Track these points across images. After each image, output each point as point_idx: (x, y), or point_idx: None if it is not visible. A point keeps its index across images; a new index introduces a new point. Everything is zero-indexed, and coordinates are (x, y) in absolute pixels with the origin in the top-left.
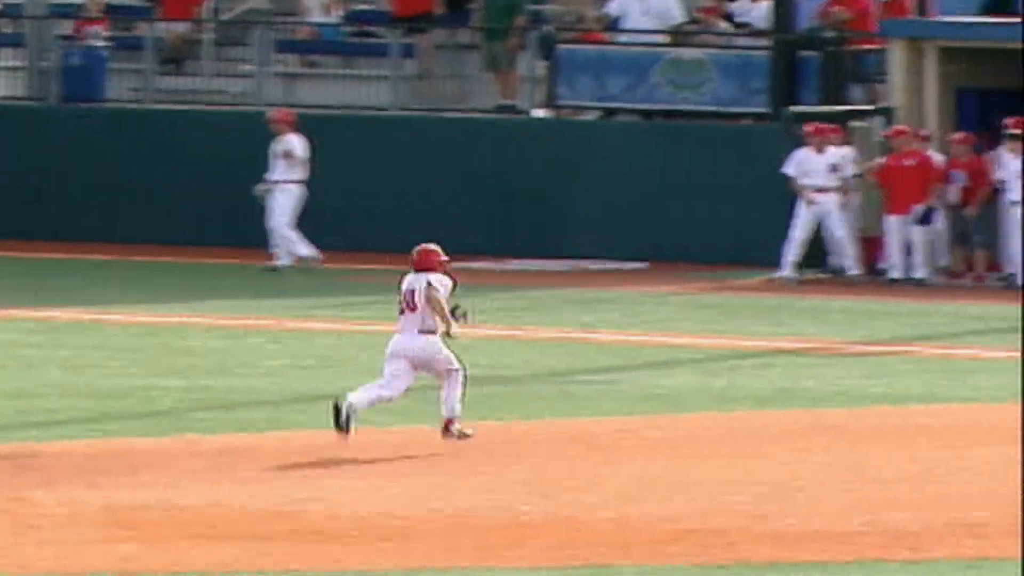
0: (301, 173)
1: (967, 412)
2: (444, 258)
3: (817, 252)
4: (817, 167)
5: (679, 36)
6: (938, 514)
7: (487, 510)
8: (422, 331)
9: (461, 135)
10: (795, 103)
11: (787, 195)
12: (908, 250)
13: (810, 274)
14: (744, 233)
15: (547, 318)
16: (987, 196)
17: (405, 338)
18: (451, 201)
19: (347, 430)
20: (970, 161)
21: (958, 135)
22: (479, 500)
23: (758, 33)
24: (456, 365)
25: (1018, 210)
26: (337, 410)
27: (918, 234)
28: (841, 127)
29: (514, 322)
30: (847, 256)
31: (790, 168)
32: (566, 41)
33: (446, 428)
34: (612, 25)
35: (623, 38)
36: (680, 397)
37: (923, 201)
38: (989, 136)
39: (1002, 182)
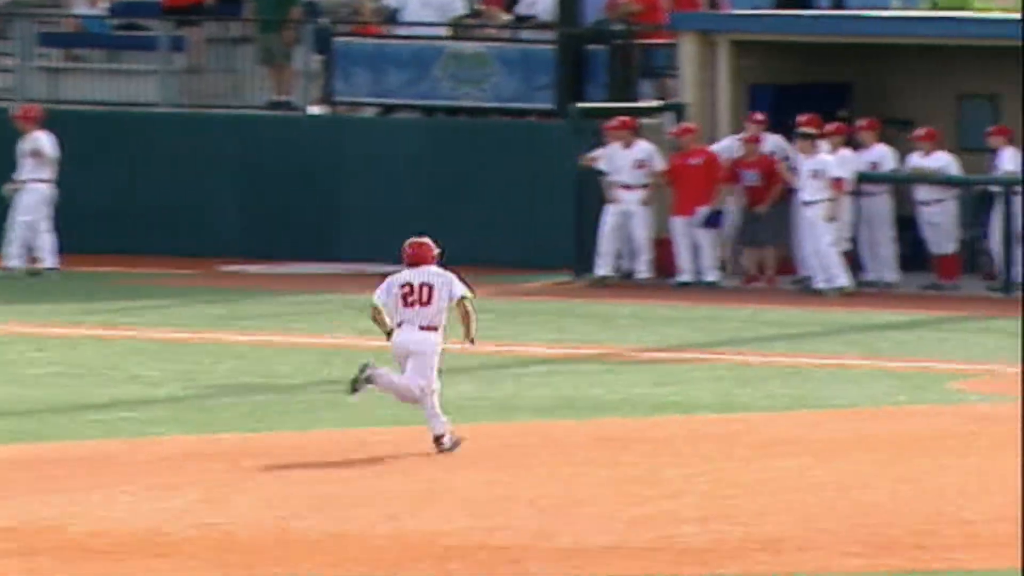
0: (50, 172)
1: (762, 421)
2: (437, 251)
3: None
4: (623, 163)
5: (460, 29)
6: (731, 528)
7: (260, 525)
8: (423, 327)
9: (233, 133)
10: (582, 99)
11: (574, 195)
12: (697, 252)
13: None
14: (529, 235)
15: (323, 324)
16: (779, 196)
17: (405, 334)
18: (222, 202)
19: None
20: (760, 160)
21: (747, 133)
22: (252, 515)
23: (543, 26)
24: (434, 386)
25: (810, 211)
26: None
27: (705, 236)
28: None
29: (288, 328)
30: (641, 259)
31: (602, 164)
32: (343, 34)
33: (437, 440)
34: (391, 17)
35: (402, 31)
36: (461, 406)
37: (709, 202)
38: (784, 134)
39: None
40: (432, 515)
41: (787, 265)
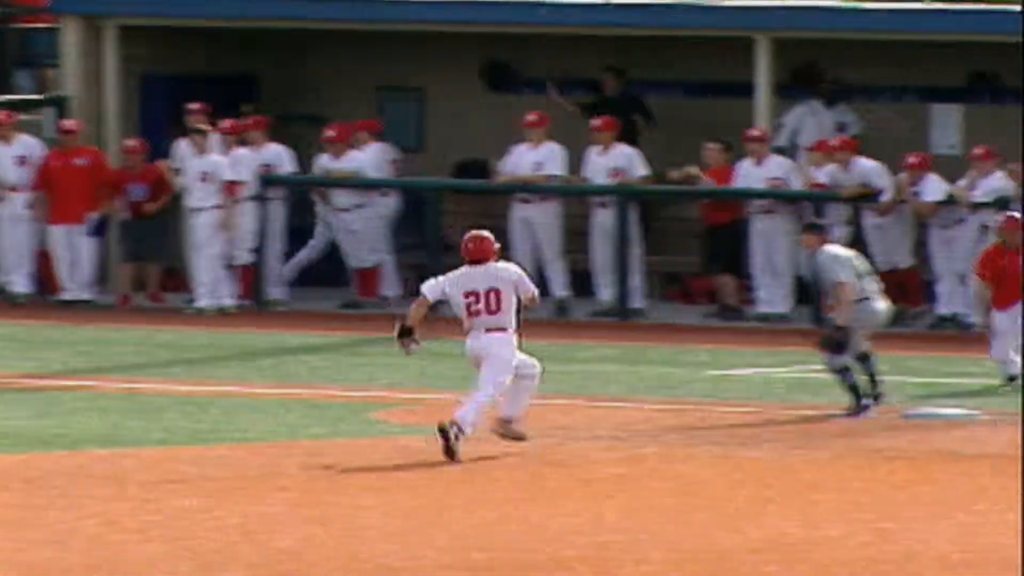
0: None
1: (158, 457)
2: (497, 245)
3: None
4: (6, 163)
5: None
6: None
7: None
8: (489, 329)
9: None
10: None
11: None
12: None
13: None
14: None
15: None
16: (168, 204)
17: (476, 340)
18: None
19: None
20: (146, 170)
21: (131, 143)
22: None
23: None
24: (536, 368)
25: (201, 218)
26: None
27: (87, 247)
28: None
29: None
30: (16, 272)
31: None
32: None
33: (504, 423)
34: None
35: None
36: None
37: (96, 208)
38: (181, 128)
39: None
40: None
41: (175, 281)
